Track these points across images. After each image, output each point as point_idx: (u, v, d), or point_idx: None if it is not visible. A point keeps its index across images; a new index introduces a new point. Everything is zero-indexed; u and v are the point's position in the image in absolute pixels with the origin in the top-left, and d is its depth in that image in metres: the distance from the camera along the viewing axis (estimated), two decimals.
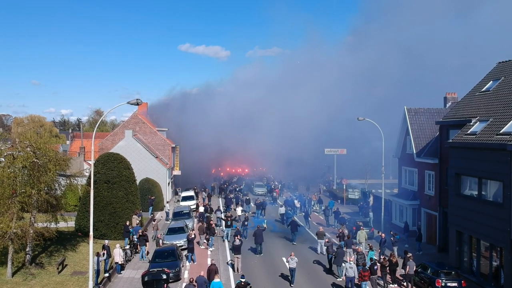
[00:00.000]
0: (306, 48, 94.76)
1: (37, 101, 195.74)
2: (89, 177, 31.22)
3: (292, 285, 23.65)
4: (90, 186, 28.95)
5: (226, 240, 32.56)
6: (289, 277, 24.13)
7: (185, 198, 46.57)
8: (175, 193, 52.30)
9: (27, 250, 25.39)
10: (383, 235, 29.26)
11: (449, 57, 64.49)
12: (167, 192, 49.13)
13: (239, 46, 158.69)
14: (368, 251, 26.99)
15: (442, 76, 57.83)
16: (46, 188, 24.65)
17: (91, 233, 19.32)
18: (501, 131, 22.55)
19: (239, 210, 40.40)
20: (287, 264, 24.70)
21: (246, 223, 33.84)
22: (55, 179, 25.29)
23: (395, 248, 28.30)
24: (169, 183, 50.99)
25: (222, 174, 67.27)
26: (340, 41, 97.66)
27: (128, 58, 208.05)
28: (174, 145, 56.10)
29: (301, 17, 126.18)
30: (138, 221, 32.78)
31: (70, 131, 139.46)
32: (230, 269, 26.27)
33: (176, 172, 57.19)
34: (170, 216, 39.37)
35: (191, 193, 48.52)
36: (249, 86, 79.13)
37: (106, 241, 25.79)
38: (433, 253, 30.11)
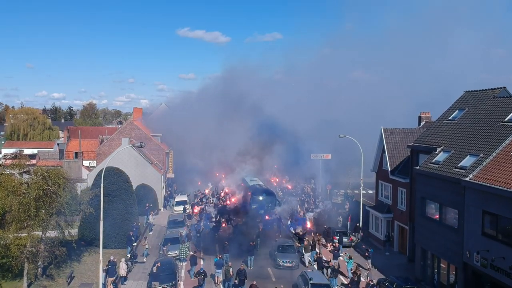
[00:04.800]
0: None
1: (29, 85, 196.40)
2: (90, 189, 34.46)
3: None
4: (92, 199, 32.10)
5: None
6: None
7: (179, 203, 49.68)
8: (170, 195, 55.16)
9: (39, 263, 28.33)
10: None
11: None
12: (161, 196, 52.18)
13: (239, 32, 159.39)
14: (347, 262, 30.36)
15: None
16: (56, 212, 27.53)
17: (101, 256, 22.29)
18: (458, 165, 25.71)
19: None
20: None
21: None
22: (64, 204, 28.12)
23: (369, 261, 31.75)
24: (163, 187, 53.99)
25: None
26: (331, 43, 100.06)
27: (123, 42, 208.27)
28: (168, 150, 58.98)
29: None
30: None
31: (62, 120, 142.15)
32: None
33: (170, 175, 60.25)
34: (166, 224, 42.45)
35: (185, 197, 51.62)
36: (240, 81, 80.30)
37: (111, 257, 28.70)
38: (404, 263, 33.56)
